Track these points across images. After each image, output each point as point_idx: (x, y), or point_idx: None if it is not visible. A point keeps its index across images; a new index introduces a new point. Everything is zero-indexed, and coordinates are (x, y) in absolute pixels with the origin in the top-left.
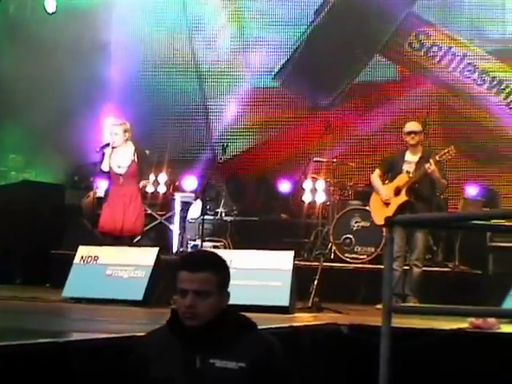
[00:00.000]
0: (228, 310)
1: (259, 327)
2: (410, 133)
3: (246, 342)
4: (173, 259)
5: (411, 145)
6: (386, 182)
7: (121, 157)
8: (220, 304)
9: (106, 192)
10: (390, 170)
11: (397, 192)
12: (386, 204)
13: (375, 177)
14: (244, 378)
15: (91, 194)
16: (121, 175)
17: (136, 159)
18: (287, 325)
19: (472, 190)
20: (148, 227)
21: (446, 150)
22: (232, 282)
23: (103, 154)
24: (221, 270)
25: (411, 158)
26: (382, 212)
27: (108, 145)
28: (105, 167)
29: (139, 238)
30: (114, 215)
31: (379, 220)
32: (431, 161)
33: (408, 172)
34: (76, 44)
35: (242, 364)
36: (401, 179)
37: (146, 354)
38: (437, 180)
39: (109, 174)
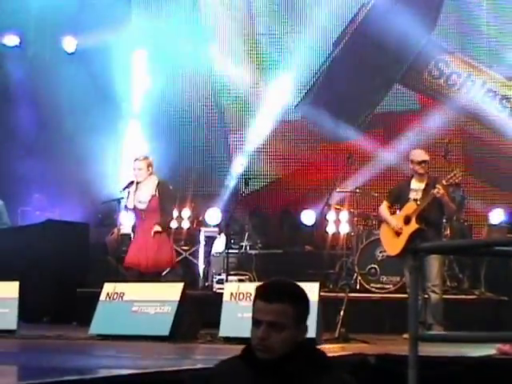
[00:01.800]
0: (305, 344)
1: None
2: (421, 162)
3: (319, 379)
4: (198, 294)
5: (419, 174)
6: (397, 212)
7: (142, 192)
8: (296, 337)
9: (133, 228)
10: (398, 201)
11: (406, 221)
12: (397, 234)
13: (383, 208)
14: None
15: (115, 230)
16: (143, 210)
17: (157, 194)
18: None
19: (496, 217)
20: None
21: (452, 174)
22: None
23: (128, 192)
24: (299, 301)
25: (417, 185)
26: (394, 242)
27: (132, 183)
28: (130, 204)
29: (166, 272)
30: (139, 251)
31: (392, 251)
32: (438, 186)
33: (415, 200)
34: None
35: None
36: (409, 208)
37: (217, 383)
38: (446, 204)
39: (134, 211)
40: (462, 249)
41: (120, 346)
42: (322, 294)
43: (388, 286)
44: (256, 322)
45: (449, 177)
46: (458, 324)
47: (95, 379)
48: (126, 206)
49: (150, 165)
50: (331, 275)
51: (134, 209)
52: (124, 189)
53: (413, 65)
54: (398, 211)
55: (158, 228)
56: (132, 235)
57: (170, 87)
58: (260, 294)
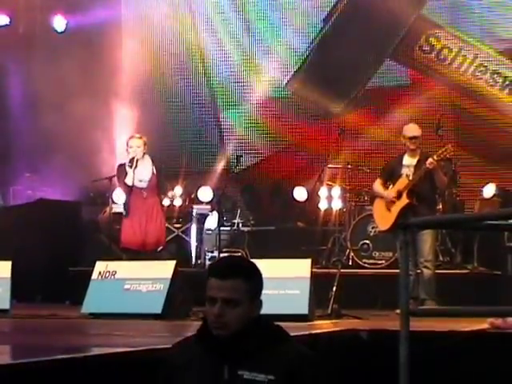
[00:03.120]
0: (261, 319)
1: None
2: (412, 138)
3: (277, 354)
4: (191, 271)
5: (411, 149)
6: (390, 187)
7: (142, 171)
8: (251, 313)
9: (126, 206)
10: (391, 177)
11: (398, 196)
12: (389, 209)
13: (377, 185)
14: None
15: (107, 209)
16: (143, 189)
17: (155, 172)
18: (306, 332)
19: (488, 191)
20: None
21: (443, 149)
22: None
23: (126, 169)
24: (252, 277)
25: (409, 161)
26: (386, 217)
27: (133, 160)
28: (129, 181)
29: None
30: (138, 229)
31: (383, 226)
32: (430, 159)
33: (407, 175)
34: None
35: (272, 377)
36: (401, 183)
37: (174, 364)
38: (438, 178)
39: (132, 189)
40: (453, 223)
41: (112, 324)
42: (314, 270)
43: (380, 262)
44: (210, 300)
45: (440, 152)
46: (450, 299)
47: (88, 357)
48: (124, 184)
49: (145, 143)
50: (323, 251)
51: (133, 186)
52: (128, 165)
53: (403, 40)
54: (390, 187)
55: (155, 204)
56: (124, 213)
57: (160, 65)
58: (213, 271)
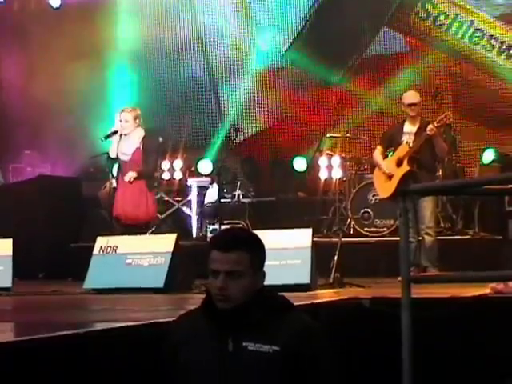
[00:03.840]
0: (264, 290)
1: None
2: (411, 105)
3: (281, 324)
4: (192, 244)
5: (411, 116)
6: (390, 154)
7: (126, 144)
8: (254, 285)
9: (116, 179)
10: (391, 145)
11: (399, 163)
12: (389, 177)
13: (377, 153)
14: (278, 362)
15: (108, 184)
16: (125, 162)
17: (141, 146)
18: (308, 302)
19: (488, 156)
20: (166, 214)
21: (442, 116)
22: None
23: (111, 141)
24: (254, 248)
25: (410, 128)
26: (386, 185)
27: (115, 132)
28: (112, 153)
29: (155, 227)
30: (124, 202)
31: (384, 193)
32: (430, 125)
33: (408, 143)
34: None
35: (276, 347)
36: (401, 150)
37: (177, 336)
38: (438, 144)
39: (118, 161)
40: (454, 189)
41: (115, 299)
42: (315, 239)
43: (382, 230)
44: (214, 273)
45: (440, 118)
46: (452, 265)
47: (91, 332)
48: (107, 156)
49: (137, 117)
50: (324, 221)
51: (117, 159)
52: (106, 137)
53: (400, 7)
54: (390, 154)
55: (132, 174)
56: (114, 185)
57: (156, 39)
58: (215, 243)
